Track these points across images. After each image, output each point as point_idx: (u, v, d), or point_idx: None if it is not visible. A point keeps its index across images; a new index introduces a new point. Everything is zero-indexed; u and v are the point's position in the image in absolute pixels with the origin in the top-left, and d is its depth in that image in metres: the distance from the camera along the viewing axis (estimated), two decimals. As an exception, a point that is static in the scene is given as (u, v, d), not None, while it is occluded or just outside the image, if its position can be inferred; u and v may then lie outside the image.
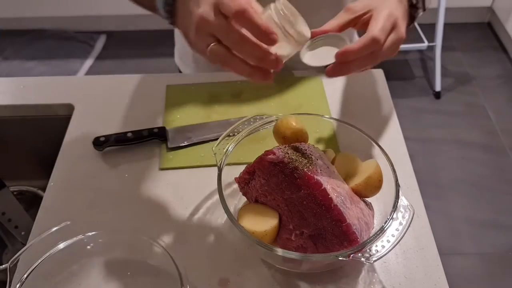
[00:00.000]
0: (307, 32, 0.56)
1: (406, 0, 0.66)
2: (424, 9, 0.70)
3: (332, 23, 0.62)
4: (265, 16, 0.53)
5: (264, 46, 0.52)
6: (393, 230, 0.56)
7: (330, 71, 0.59)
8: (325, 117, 0.76)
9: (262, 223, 0.58)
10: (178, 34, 1.07)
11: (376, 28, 0.58)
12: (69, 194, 0.73)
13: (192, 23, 0.54)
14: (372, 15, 0.61)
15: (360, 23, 0.63)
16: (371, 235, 0.57)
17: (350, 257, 0.54)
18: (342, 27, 0.62)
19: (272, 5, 0.53)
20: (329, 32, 0.60)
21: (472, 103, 2.24)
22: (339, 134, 0.78)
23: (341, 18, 0.63)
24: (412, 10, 0.68)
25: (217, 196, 0.60)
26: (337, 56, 0.56)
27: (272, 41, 0.51)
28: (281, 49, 0.55)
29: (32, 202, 0.96)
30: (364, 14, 0.62)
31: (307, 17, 0.56)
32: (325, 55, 0.59)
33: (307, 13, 0.59)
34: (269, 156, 0.60)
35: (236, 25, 0.52)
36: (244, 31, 0.52)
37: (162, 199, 0.72)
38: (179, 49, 1.09)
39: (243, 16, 0.51)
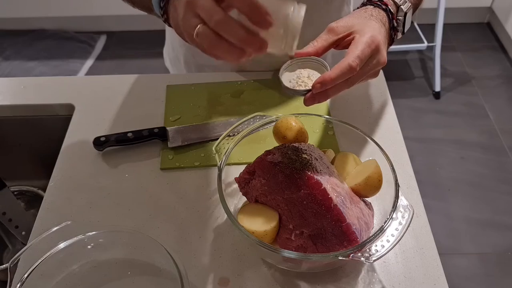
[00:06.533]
0: (294, 50, 0.57)
1: (388, 22, 0.66)
2: (403, 33, 0.70)
3: (315, 45, 0.62)
4: (278, 6, 0.52)
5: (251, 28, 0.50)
6: (392, 230, 0.56)
7: (309, 100, 0.59)
8: (325, 117, 0.76)
9: (262, 223, 0.58)
10: (169, 37, 1.07)
11: (353, 55, 0.58)
12: (69, 194, 0.73)
13: (181, 7, 0.53)
14: (354, 38, 0.61)
15: (342, 44, 0.64)
16: (371, 235, 0.57)
17: (350, 257, 0.54)
18: (325, 50, 0.63)
19: (295, 5, 0.52)
20: (311, 55, 0.61)
21: (472, 103, 2.24)
22: (339, 134, 0.78)
23: (324, 40, 0.63)
24: (392, 33, 0.68)
25: (217, 196, 0.61)
26: (315, 85, 0.57)
27: (266, 23, 0.49)
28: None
29: (32, 202, 0.96)
30: (347, 35, 0.63)
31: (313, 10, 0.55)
32: (303, 80, 0.60)
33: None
34: (269, 156, 0.60)
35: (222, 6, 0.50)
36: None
37: (162, 199, 0.72)
38: (169, 53, 1.09)
39: None
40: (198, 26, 0.51)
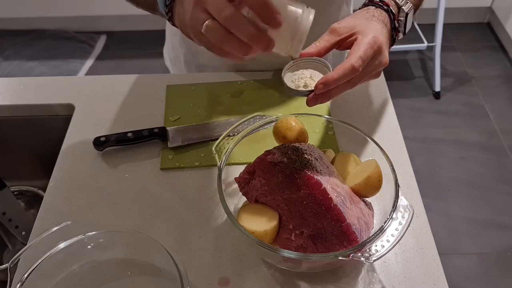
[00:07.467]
0: (299, 53, 0.57)
1: (389, 23, 0.66)
2: (404, 33, 0.70)
3: (317, 46, 0.62)
4: (289, 9, 0.52)
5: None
6: (392, 230, 0.56)
7: (312, 100, 0.60)
8: (325, 117, 0.76)
9: (262, 223, 0.58)
10: (169, 37, 1.07)
11: (356, 56, 0.58)
12: (69, 194, 0.73)
13: (189, 3, 0.53)
14: (357, 39, 0.61)
15: (344, 45, 0.64)
16: (370, 235, 0.57)
17: (350, 257, 0.54)
18: (327, 50, 0.63)
19: (304, 9, 0.53)
20: (314, 56, 0.62)
21: (472, 103, 2.24)
22: (339, 134, 0.78)
23: (326, 40, 0.63)
24: (394, 33, 0.68)
25: (217, 196, 0.61)
26: (318, 86, 0.58)
27: (276, 22, 0.49)
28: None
29: (32, 202, 0.96)
30: (349, 36, 0.63)
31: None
32: (305, 81, 0.61)
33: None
34: (269, 156, 0.60)
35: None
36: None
37: (162, 199, 0.72)
38: (169, 53, 1.09)
39: None
40: (207, 21, 0.51)
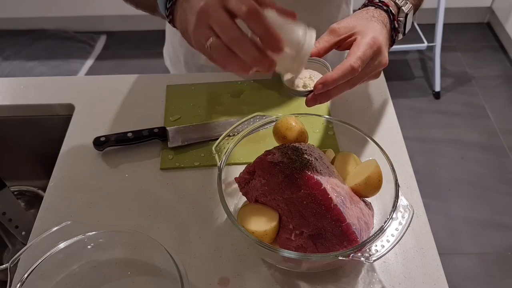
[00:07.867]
0: (299, 73, 0.58)
1: (389, 23, 0.67)
2: (404, 34, 0.70)
3: (317, 46, 0.63)
4: (291, 31, 0.53)
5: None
6: (392, 230, 0.56)
7: (311, 100, 0.60)
8: (325, 117, 0.76)
9: (262, 223, 0.58)
10: (169, 37, 1.07)
11: (355, 56, 0.59)
12: (69, 194, 0.73)
13: (193, 15, 0.53)
14: (356, 39, 0.61)
15: (344, 46, 0.64)
16: (370, 235, 0.57)
17: (350, 257, 0.54)
18: (327, 50, 0.63)
19: (306, 32, 0.53)
20: (313, 56, 0.62)
21: (472, 103, 2.24)
22: (339, 134, 0.78)
23: (326, 41, 0.64)
24: (393, 34, 0.68)
25: (217, 196, 0.61)
26: (317, 86, 0.58)
27: (278, 48, 0.50)
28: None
29: (32, 202, 0.96)
30: (349, 36, 0.63)
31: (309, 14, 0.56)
32: (304, 81, 0.61)
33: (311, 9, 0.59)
34: (269, 156, 0.61)
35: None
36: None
37: (162, 199, 0.72)
38: (169, 53, 1.09)
39: (256, 16, 0.49)
40: (211, 38, 0.51)
